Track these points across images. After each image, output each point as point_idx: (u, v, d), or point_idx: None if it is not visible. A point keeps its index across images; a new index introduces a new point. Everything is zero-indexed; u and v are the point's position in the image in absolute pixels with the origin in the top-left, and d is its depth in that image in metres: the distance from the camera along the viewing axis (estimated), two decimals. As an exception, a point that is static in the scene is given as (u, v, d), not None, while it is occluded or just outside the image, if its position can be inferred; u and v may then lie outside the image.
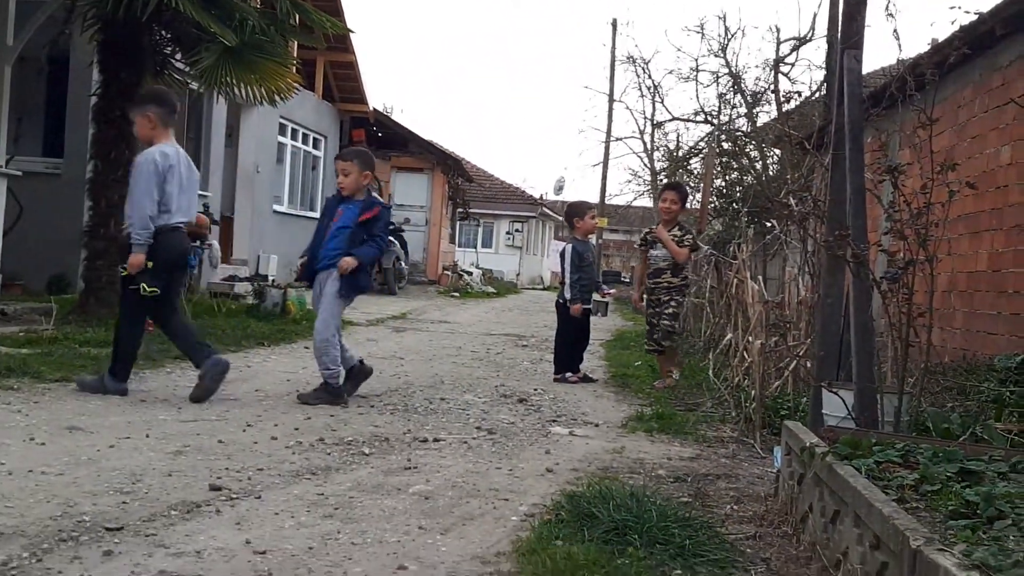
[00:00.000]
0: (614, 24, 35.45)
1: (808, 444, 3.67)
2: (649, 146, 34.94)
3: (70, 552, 3.14)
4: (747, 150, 21.07)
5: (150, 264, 6.11)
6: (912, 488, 3.13)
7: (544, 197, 43.68)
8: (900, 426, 4.25)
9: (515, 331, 14.09)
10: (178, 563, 3.10)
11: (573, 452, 5.33)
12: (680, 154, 28.64)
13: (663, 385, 7.96)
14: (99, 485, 3.95)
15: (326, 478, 4.37)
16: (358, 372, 6.78)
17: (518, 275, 38.86)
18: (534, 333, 13.63)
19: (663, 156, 32.02)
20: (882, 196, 4.87)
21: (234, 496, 3.94)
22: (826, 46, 17.70)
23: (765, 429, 5.89)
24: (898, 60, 5.17)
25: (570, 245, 8.82)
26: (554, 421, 6.35)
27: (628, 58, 33.69)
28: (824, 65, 19.01)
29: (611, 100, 35.04)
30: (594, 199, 33.71)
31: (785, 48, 25.49)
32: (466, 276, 26.81)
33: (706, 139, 25.74)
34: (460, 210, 31.12)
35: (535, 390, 7.73)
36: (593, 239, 18.47)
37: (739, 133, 23.04)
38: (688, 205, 11.16)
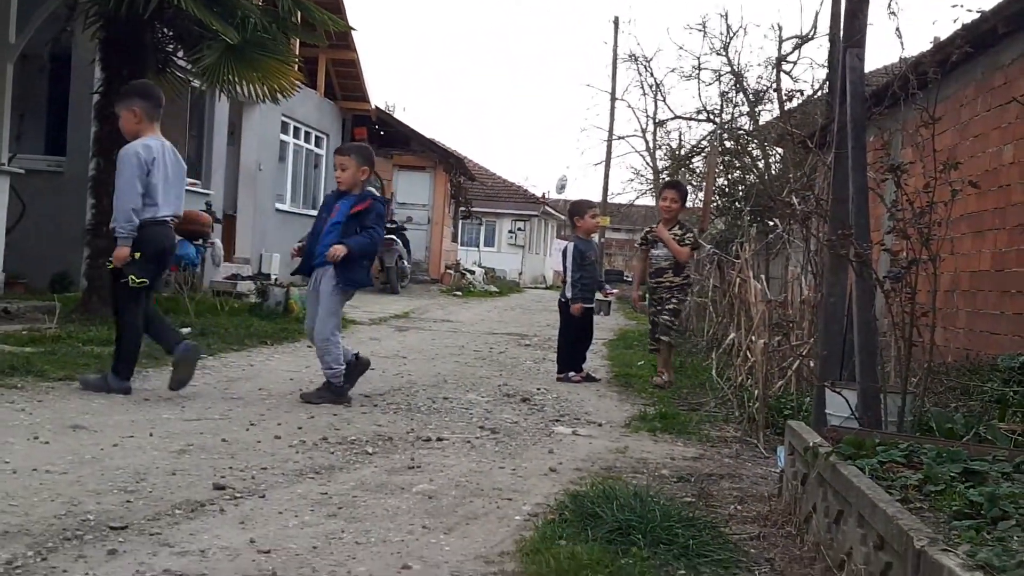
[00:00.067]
0: (616, 22, 35.42)
1: (812, 444, 3.67)
2: (651, 145, 34.96)
3: (75, 551, 3.14)
4: (749, 149, 21.08)
5: (137, 255, 6.11)
6: (916, 488, 3.13)
7: (546, 196, 43.65)
8: (903, 426, 4.25)
9: (518, 330, 14.09)
10: (182, 562, 3.11)
11: (576, 452, 5.33)
12: (682, 153, 28.68)
13: (658, 382, 8.00)
14: (103, 484, 3.95)
15: (330, 477, 4.37)
16: (354, 366, 6.74)
17: (520, 274, 38.86)
18: (537, 332, 13.63)
19: (665, 155, 32.10)
20: (885, 195, 4.87)
21: (238, 495, 3.94)
22: (828, 44, 17.63)
23: (768, 429, 5.89)
24: (900, 58, 5.17)
25: (572, 244, 8.83)
26: (557, 420, 6.35)
27: (630, 56, 33.53)
28: (826, 63, 18.97)
29: (613, 98, 35.03)
30: (596, 198, 33.72)
31: (787, 46, 25.54)
32: (468, 275, 26.76)
33: (708, 138, 25.76)
34: (462, 209, 31.08)
35: (538, 389, 7.73)
36: (596, 238, 18.48)
37: (741, 132, 23.05)
38: (690, 204, 11.16)
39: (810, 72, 41.02)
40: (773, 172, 18.44)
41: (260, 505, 3.83)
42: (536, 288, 36.69)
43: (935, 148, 4.38)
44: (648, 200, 34.84)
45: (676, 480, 4.71)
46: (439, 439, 5.40)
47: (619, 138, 36.42)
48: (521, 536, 3.59)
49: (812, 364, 5.92)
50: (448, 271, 26.08)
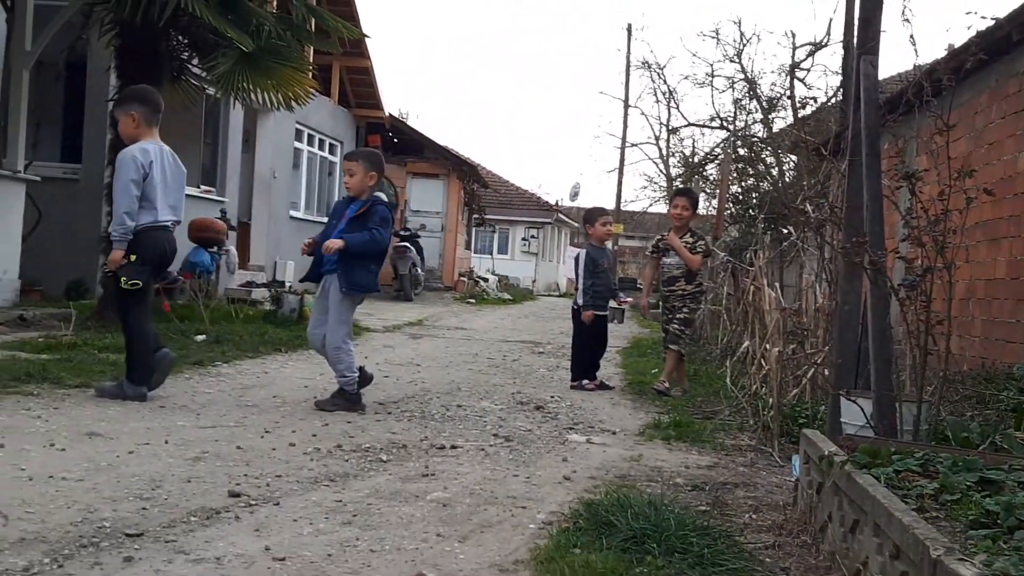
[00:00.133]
0: (629, 29, 35.54)
1: (827, 453, 3.66)
2: (665, 152, 35.01)
3: (91, 558, 3.15)
4: (763, 156, 21.04)
5: (132, 257, 6.13)
6: (932, 497, 3.12)
7: (560, 203, 43.68)
8: (919, 435, 4.23)
9: (531, 338, 14.09)
10: (198, 569, 3.12)
11: (590, 460, 5.33)
12: (696, 160, 28.67)
13: (659, 388, 8.01)
14: (119, 491, 3.97)
15: (344, 485, 4.38)
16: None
17: (534, 281, 38.84)
18: (550, 340, 13.62)
19: (679, 162, 32.12)
20: (899, 202, 4.86)
21: (253, 502, 3.95)
22: (842, 51, 17.59)
23: (783, 437, 5.87)
24: (914, 65, 5.14)
25: (585, 251, 8.83)
26: (571, 428, 6.34)
27: (643, 63, 33.68)
28: (840, 70, 18.96)
29: (626, 105, 35.10)
30: (610, 205, 33.73)
31: (801, 53, 25.51)
32: (482, 282, 26.78)
33: (722, 145, 25.74)
34: (476, 216, 31.13)
35: (552, 397, 7.73)
36: (610, 245, 18.46)
37: (755, 139, 23.01)
38: (704, 211, 11.15)
39: (824, 79, 40.88)
40: (787, 179, 18.39)
41: (275, 512, 3.84)
42: (550, 296, 36.68)
43: (950, 155, 4.36)
44: (662, 207, 34.88)
45: (691, 489, 4.70)
46: (453, 447, 5.41)
47: (632, 145, 36.52)
48: (535, 544, 3.59)
49: (827, 372, 5.90)
50: (462, 278, 26.11)
